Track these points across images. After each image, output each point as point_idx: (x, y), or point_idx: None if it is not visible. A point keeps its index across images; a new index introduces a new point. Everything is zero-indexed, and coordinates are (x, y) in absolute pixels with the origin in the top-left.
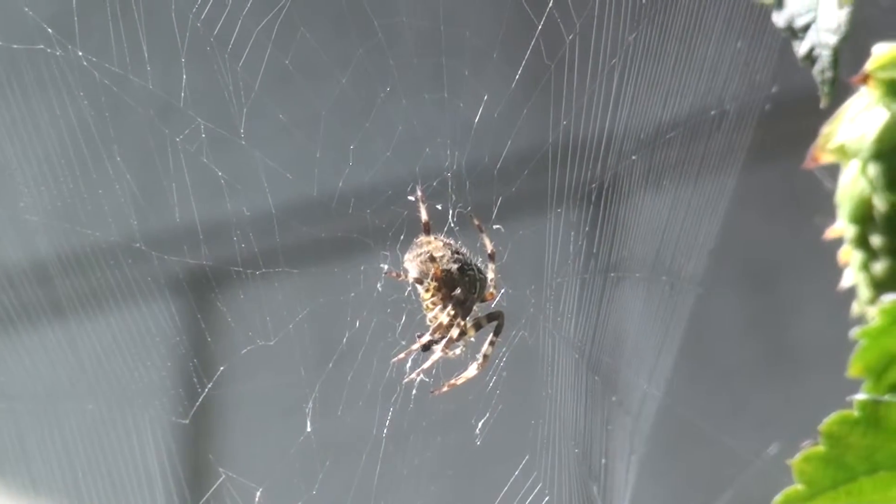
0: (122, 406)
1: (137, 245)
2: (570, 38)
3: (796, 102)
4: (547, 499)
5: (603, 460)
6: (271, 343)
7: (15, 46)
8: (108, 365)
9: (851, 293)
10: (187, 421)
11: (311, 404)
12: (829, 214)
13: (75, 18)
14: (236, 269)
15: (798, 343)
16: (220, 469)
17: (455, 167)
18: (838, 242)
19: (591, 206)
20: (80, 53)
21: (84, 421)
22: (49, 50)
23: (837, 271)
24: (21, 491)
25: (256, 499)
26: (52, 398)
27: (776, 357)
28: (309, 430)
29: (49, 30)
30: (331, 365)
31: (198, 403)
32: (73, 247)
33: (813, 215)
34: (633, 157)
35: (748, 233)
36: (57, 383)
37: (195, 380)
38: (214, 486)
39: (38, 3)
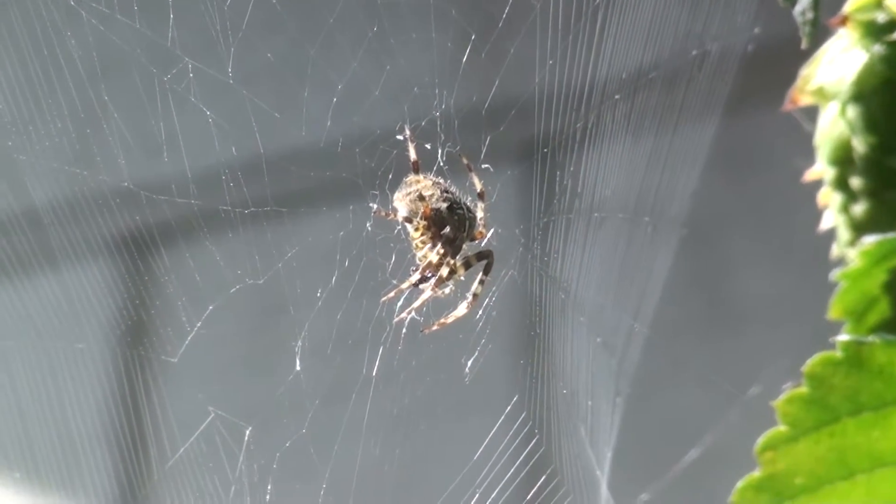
0: (112, 345)
1: (126, 184)
2: None
3: (779, 44)
4: (536, 438)
5: (589, 402)
6: (260, 282)
7: None
8: (98, 306)
9: (786, 249)
10: (176, 359)
11: (300, 343)
12: (808, 158)
13: None
14: (224, 208)
15: (735, 297)
16: (210, 408)
17: (444, 107)
18: (776, 198)
19: (577, 147)
20: None
21: (73, 359)
22: None
23: (776, 226)
24: (12, 429)
25: (246, 437)
26: (42, 338)
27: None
28: (298, 368)
29: None
30: (320, 304)
31: (186, 342)
32: (62, 188)
33: (751, 170)
34: (616, 97)
35: (709, 187)
36: (48, 325)
37: (184, 319)
38: (204, 425)
39: None
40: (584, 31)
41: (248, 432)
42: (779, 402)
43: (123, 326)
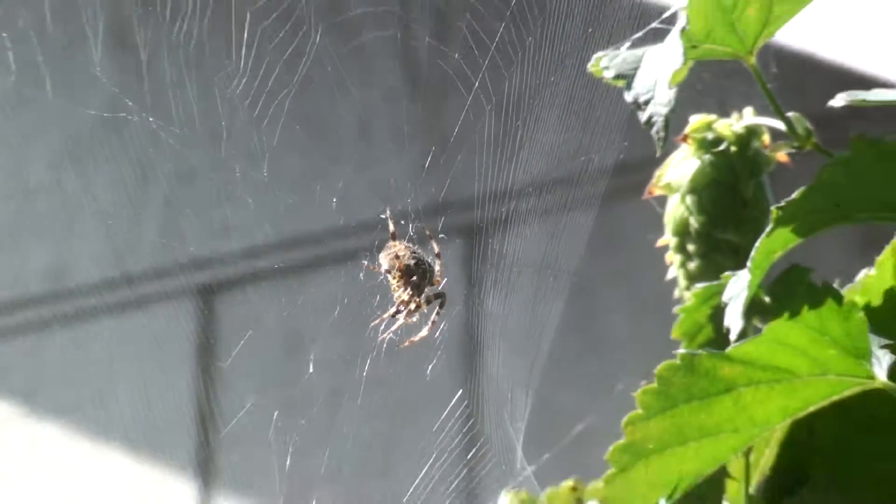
0: (187, 356)
1: (193, 250)
2: (489, 107)
3: (641, 154)
4: (472, 420)
5: (509, 394)
6: (284, 314)
7: None
8: (176, 333)
9: (644, 293)
10: (226, 365)
11: (312, 356)
12: (658, 231)
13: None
14: (261, 265)
15: (606, 325)
16: (250, 399)
17: (412, 197)
18: (637, 258)
19: (502, 225)
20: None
21: (160, 365)
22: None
23: (636, 278)
24: (97, 428)
25: (273, 418)
26: (141, 356)
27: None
28: (311, 371)
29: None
30: (326, 328)
31: (233, 354)
32: (153, 258)
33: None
34: (530, 189)
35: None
36: (144, 347)
37: (232, 339)
38: (244, 410)
39: None
40: (508, 146)
41: (275, 415)
42: (637, 393)
43: (195, 344)
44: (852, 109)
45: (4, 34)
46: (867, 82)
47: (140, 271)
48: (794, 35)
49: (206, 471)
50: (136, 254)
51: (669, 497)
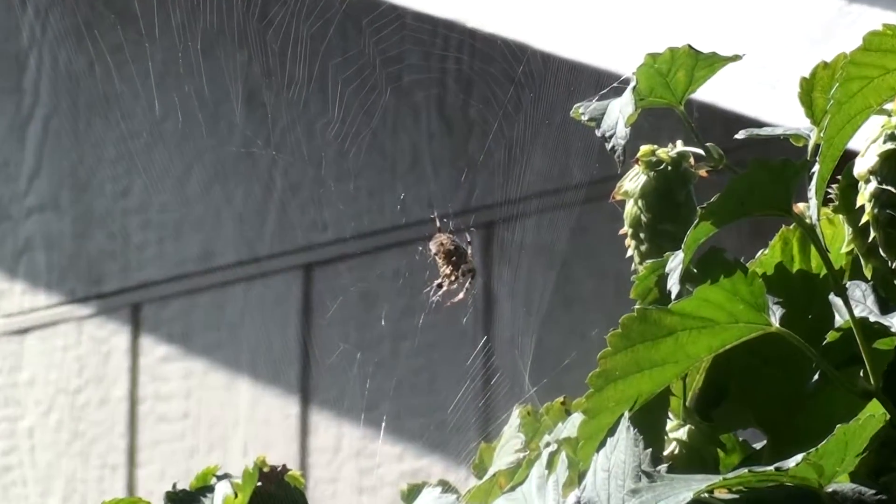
0: (293, 319)
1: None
2: (504, 141)
3: (608, 172)
4: (494, 356)
5: (519, 338)
6: (365, 284)
7: None
8: (286, 301)
9: (611, 271)
10: (325, 321)
11: (384, 313)
12: (621, 224)
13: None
14: (349, 252)
15: (584, 296)
16: (341, 344)
17: (450, 206)
18: (607, 246)
19: (514, 222)
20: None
21: (272, 328)
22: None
23: (606, 257)
24: (226, 365)
25: (357, 357)
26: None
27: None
28: (383, 324)
29: None
30: (398, 289)
31: (328, 314)
32: (240, 255)
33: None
34: (533, 201)
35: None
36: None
37: (328, 303)
38: (337, 352)
39: None
40: (518, 172)
41: (358, 355)
42: (608, 336)
43: (301, 309)
44: (748, 139)
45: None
46: (753, 122)
47: (263, 254)
48: (708, 90)
49: (307, 394)
50: (261, 242)
51: (630, 409)
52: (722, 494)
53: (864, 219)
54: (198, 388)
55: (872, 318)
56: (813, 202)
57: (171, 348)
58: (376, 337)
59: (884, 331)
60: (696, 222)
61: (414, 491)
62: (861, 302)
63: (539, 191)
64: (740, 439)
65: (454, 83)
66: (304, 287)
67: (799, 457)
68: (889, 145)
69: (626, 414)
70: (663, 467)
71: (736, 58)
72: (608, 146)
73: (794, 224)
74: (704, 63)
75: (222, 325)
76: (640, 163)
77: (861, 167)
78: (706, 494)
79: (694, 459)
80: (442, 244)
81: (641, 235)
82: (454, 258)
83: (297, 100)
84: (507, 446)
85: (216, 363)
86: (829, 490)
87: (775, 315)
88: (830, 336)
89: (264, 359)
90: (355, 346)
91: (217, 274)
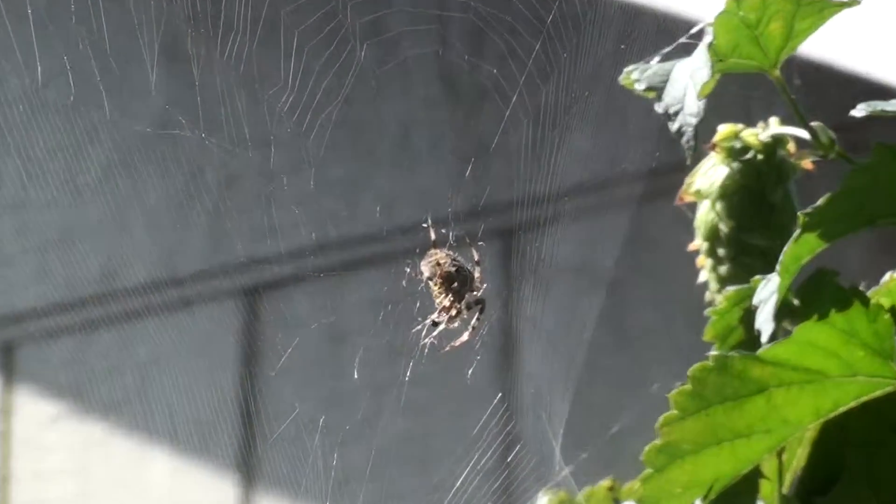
0: (233, 364)
1: (241, 259)
2: (526, 121)
3: (671, 162)
4: (513, 422)
5: (547, 403)
6: (332, 319)
7: None
8: (224, 337)
9: (676, 296)
10: (274, 373)
11: (357, 359)
12: (690, 236)
13: None
14: (307, 273)
15: (640, 329)
16: (296, 404)
17: (453, 205)
18: (670, 262)
19: (540, 231)
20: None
21: (208, 370)
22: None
23: (668, 281)
24: (144, 427)
25: (320, 422)
26: (182, 359)
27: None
28: (356, 377)
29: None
30: (370, 333)
31: (281, 361)
32: (200, 262)
33: (653, 243)
34: (566, 199)
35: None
36: (186, 350)
37: (279, 347)
38: (292, 416)
39: None
40: (546, 155)
41: (321, 420)
42: (672, 395)
43: (241, 352)
44: (870, 116)
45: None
46: (883, 90)
47: (187, 273)
48: (815, 47)
49: (249, 470)
50: (184, 257)
51: (705, 497)
52: None
53: None
54: (94, 460)
55: None
56: None
57: (58, 405)
58: (346, 393)
59: None
60: (797, 234)
61: None
62: None
63: (576, 186)
64: None
65: (457, 35)
66: (245, 321)
67: None
68: None
69: None
70: None
71: (853, 2)
72: (673, 126)
73: None
74: (809, 10)
75: (130, 373)
76: (718, 150)
77: None
78: None
79: None
80: (439, 264)
81: (720, 252)
82: (455, 284)
83: (237, 58)
84: None
85: (120, 426)
86: None
87: None
88: None
89: (189, 421)
90: (316, 406)
91: (122, 301)
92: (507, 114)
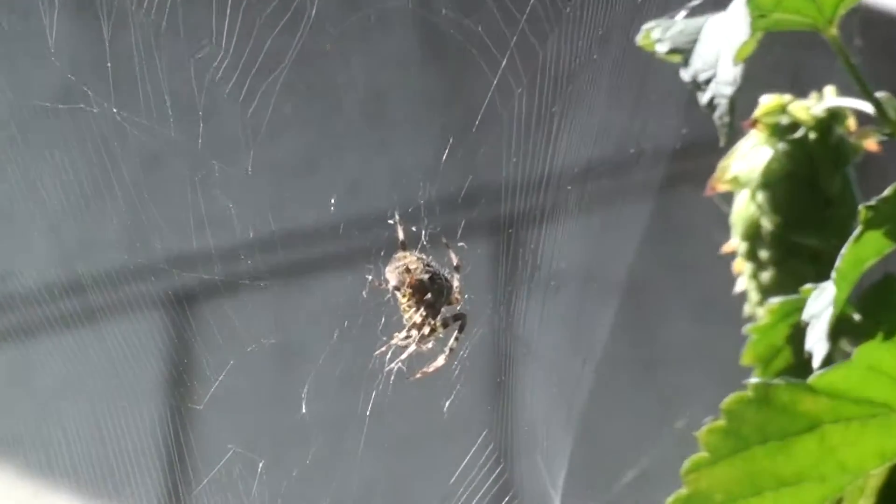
0: (149, 395)
1: (161, 265)
2: (519, 91)
3: (701, 142)
4: (501, 465)
5: (545, 440)
6: (273, 341)
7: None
8: (138, 363)
9: (706, 308)
10: (201, 406)
11: (306, 389)
12: (725, 233)
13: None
14: (243, 281)
15: (664, 347)
16: (229, 445)
17: (427, 195)
18: (699, 266)
19: (536, 227)
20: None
21: (119, 399)
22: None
23: (698, 289)
24: (39, 471)
25: (259, 468)
26: (92, 390)
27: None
28: (304, 411)
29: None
30: (322, 358)
31: (210, 392)
32: (106, 265)
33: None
34: (569, 187)
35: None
36: (98, 379)
37: (208, 373)
38: (224, 459)
39: None
40: (542, 134)
41: (261, 465)
42: (701, 433)
43: (161, 378)
44: None
45: None
46: None
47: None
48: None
49: None
50: (92, 258)
51: None
52: None
53: None
54: None
55: None
56: None
57: None
58: (293, 430)
59: None
60: (858, 232)
61: None
62: None
63: (583, 169)
64: None
65: None
66: (166, 339)
67: None
68: None
69: None
70: None
71: None
72: (703, 98)
73: None
74: None
75: (23, 402)
76: (760, 127)
77: None
78: None
79: None
80: (408, 271)
81: (763, 255)
82: (429, 296)
83: (158, 13)
84: None
85: (9, 470)
86: None
87: None
88: None
89: (96, 463)
90: (255, 446)
91: (9, 313)
92: (496, 81)
